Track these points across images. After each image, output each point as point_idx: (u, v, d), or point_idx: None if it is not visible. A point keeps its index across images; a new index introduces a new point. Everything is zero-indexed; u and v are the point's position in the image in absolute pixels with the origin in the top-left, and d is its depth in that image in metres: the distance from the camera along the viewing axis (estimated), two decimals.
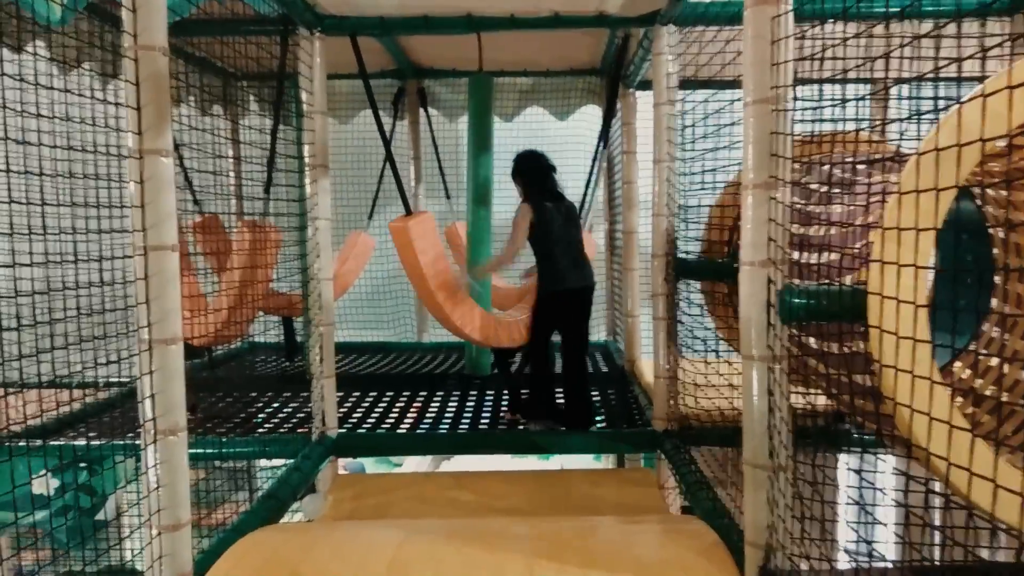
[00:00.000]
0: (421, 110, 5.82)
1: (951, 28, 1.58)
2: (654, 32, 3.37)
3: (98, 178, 2.38)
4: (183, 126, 4.28)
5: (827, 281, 1.82)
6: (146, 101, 1.90)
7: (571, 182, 6.06)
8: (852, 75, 1.77)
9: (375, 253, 5.96)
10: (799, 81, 1.85)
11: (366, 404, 4.24)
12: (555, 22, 3.55)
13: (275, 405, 4.19)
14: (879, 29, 1.85)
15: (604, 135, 4.98)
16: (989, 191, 2.14)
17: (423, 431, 3.73)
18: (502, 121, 5.95)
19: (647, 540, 2.31)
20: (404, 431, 3.73)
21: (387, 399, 4.35)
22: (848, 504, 1.84)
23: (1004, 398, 1.99)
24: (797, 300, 1.79)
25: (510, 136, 6.15)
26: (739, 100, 1.96)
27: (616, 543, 2.27)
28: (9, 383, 3.10)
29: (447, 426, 3.79)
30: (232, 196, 5.63)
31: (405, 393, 4.47)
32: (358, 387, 4.60)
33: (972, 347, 2.18)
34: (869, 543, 1.79)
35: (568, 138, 6.06)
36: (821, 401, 2.09)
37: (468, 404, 4.20)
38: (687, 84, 3.30)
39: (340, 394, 4.20)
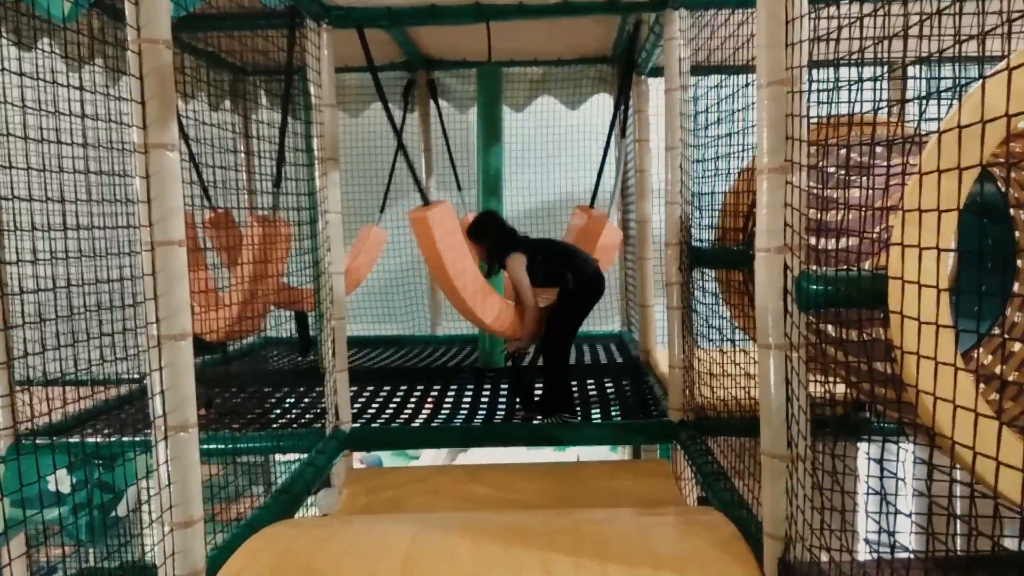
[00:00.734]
0: (431, 102, 5.78)
1: (971, 6, 1.53)
2: (665, 17, 3.32)
3: (114, 175, 2.38)
4: (194, 121, 4.28)
5: (845, 267, 1.77)
6: (150, 95, 1.88)
7: (583, 172, 6.04)
8: (868, 55, 1.72)
9: (387, 246, 5.95)
10: (814, 63, 1.81)
11: (381, 398, 4.23)
12: (564, 9, 3.51)
13: (290, 400, 4.19)
14: (896, 8, 1.80)
15: (620, 124, 4.92)
16: (1012, 173, 2.08)
17: (437, 424, 3.72)
18: (513, 111, 5.91)
19: (664, 533, 2.28)
20: (418, 424, 3.72)
21: (401, 393, 4.34)
22: (868, 494, 1.80)
23: None
24: (815, 287, 1.75)
25: (521, 126, 6.13)
26: (753, 83, 1.92)
27: (633, 536, 2.25)
28: (38, 380, 3.12)
29: (461, 419, 3.77)
30: (244, 191, 5.63)
31: (419, 386, 4.46)
32: (372, 381, 4.59)
33: (995, 332, 2.13)
34: (891, 534, 1.75)
35: (580, 127, 6.01)
36: (840, 390, 2.05)
37: (482, 397, 4.18)
38: (699, 70, 3.25)
39: (354, 388, 4.21)
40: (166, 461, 1.95)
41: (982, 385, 2.03)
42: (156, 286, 1.91)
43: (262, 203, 5.53)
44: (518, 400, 3.84)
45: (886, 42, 1.68)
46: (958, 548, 1.89)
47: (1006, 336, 2.08)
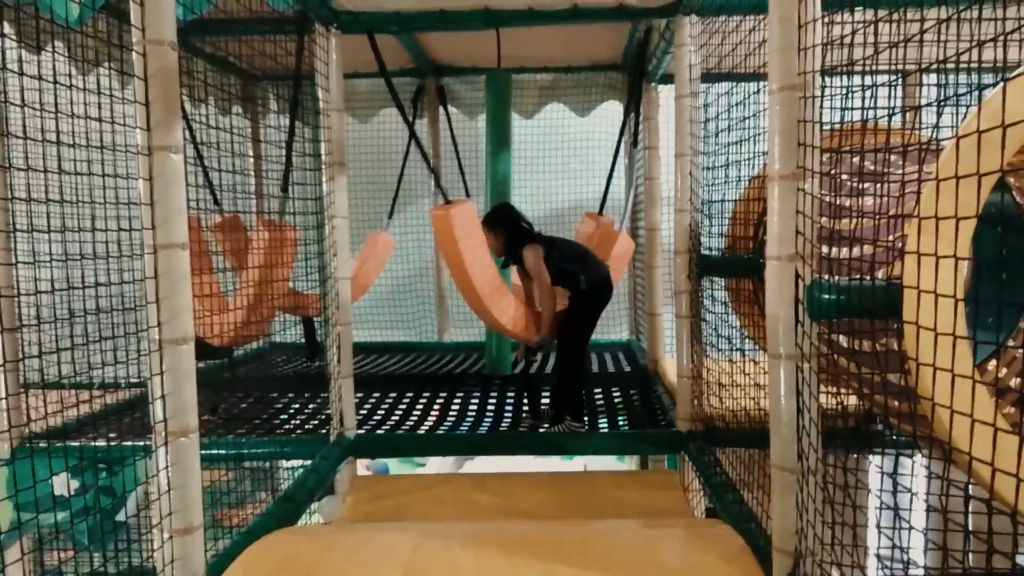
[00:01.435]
0: (441, 108, 5.78)
1: (988, 12, 1.51)
2: (676, 23, 3.29)
3: (127, 177, 2.37)
4: (204, 125, 4.28)
5: (858, 276, 1.73)
6: (155, 97, 1.87)
7: (592, 179, 6.02)
8: (883, 60, 1.69)
9: (395, 253, 5.93)
10: (826, 71, 1.77)
11: (387, 404, 4.21)
12: (575, 15, 3.48)
13: (295, 406, 4.17)
14: (911, 13, 1.77)
15: (631, 132, 4.90)
16: None
17: (442, 432, 3.68)
18: (522, 118, 5.89)
19: (671, 545, 2.24)
20: (423, 432, 3.69)
21: (407, 399, 4.31)
22: (881, 509, 1.76)
23: None
24: (827, 296, 1.71)
25: (530, 133, 6.11)
26: (764, 90, 1.89)
27: (639, 548, 2.21)
28: (42, 383, 3.12)
29: (467, 427, 3.74)
30: (253, 196, 5.63)
31: (425, 393, 4.43)
32: (379, 387, 4.57)
33: (1012, 344, 2.08)
34: (904, 550, 1.71)
35: (589, 135, 5.99)
36: (852, 402, 2.01)
37: (489, 404, 4.15)
38: (710, 77, 3.22)
39: (360, 395, 4.18)
40: (166, 467, 1.93)
41: (999, 398, 1.98)
42: (158, 289, 1.89)
43: (270, 207, 5.53)
44: (526, 407, 3.81)
45: (900, 48, 1.65)
46: (972, 565, 1.85)
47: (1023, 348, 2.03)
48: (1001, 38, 1.31)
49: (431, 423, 3.82)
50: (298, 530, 2.61)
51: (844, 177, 2.08)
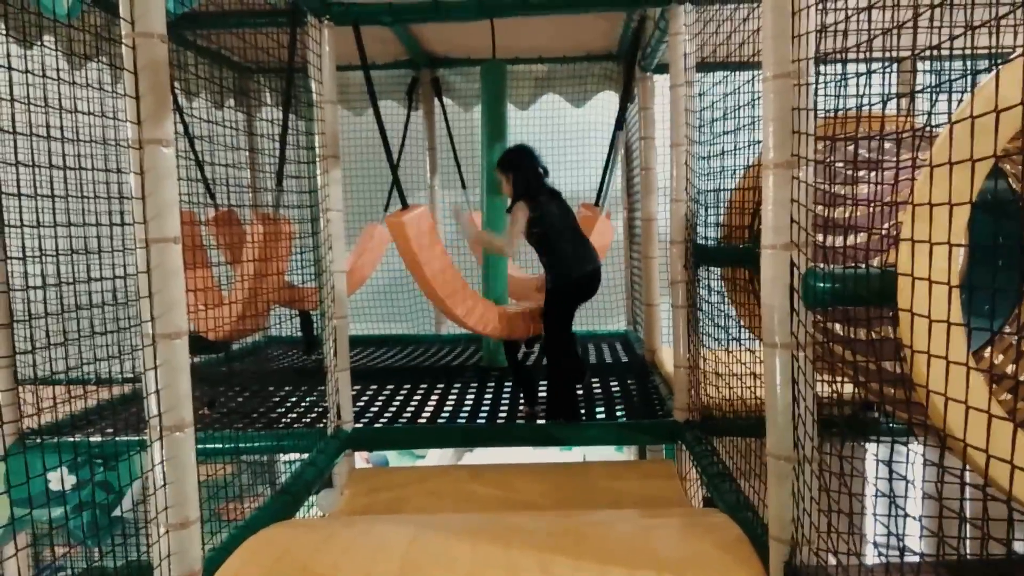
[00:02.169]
0: (436, 100, 5.75)
1: None
2: (670, 12, 3.28)
3: (118, 171, 2.36)
4: (198, 119, 4.26)
5: (853, 264, 1.73)
6: (145, 90, 1.85)
7: (589, 170, 6.00)
8: (877, 47, 1.68)
9: (391, 245, 5.91)
10: (820, 58, 1.76)
11: (383, 397, 4.21)
12: (569, 4, 3.47)
13: (293, 400, 4.17)
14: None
15: (620, 120, 4.88)
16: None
17: (440, 424, 3.68)
18: (517, 109, 5.87)
19: (668, 535, 2.24)
20: (421, 424, 3.69)
21: (404, 392, 4.31)
22: (877, 497, 1.76)
23: None
24: (822, 284, 1.71)
25: (526, 124, 6.08)
26: (759, 78, 1.88)
27: (636, 538, 2.21)
28: (40, 379, 3.11)
29: (464, 419, 3.74)
30: (247, 189, 5.61)
31: (423, 386, 4.43)
32: (376, 380, 4.57)
33: (1007, 331, 2.08)
34: (900, 537, 1.71)
35: (585, 125, 5.97)
36: (847, 390, 2.01)
37: (486, 396, 4.15)
38: (704, 66, 3.20)
39: (358, 388, 4.18)
40: (161, 461, 1.93)
41: (994, 385, 1.98)
42: (151, 283, 1.88)
43: (265, 201, 5.52)
44: (522, 395, 3.80)
45: (894, 34, 1.63)
46: (969, 552, 1.85)
47: (1019, 335, 2.03)
48: (994, 23, 1.30)
49: (429, 415, 3.82)
50: (296, 523, 2.61)
51: (839, 165, 2.07)
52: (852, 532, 1.77)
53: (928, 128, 1.82)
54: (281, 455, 5.14)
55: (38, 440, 3.19)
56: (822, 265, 1.77)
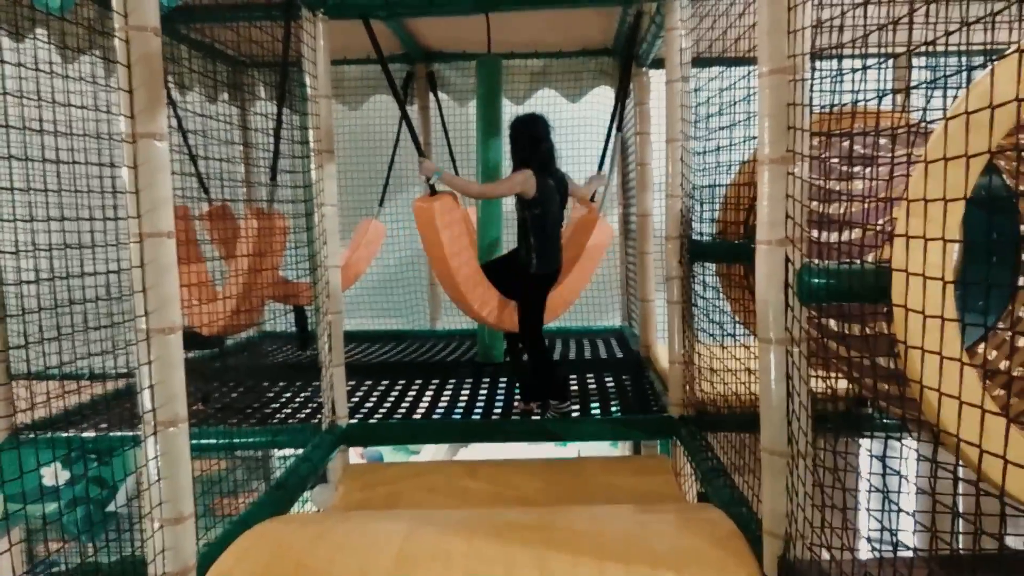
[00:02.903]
0: (431, 94, 5.74)
1: None
2: (666, 7, 3.27)
3: (112, 165, 2.35)
4: (191, 113, 4.24)
5: (848, 260, 1.73)
6: (138, 83, 1.84)
7: (584, 165, 5.99)
8: (872, 42, 1.68)
9: (386, 240, 5.90)
10: (816, 54, 1.76)
11: (379, 393, 4.20)
12: None
13: (287, 395, 4.16)
14: None
15: (616, 116, 4.87)
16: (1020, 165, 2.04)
17: (435, 419, 3.68)
18: (513, 104, 5.85)
19: (662, 530, 2.24)
20: (416, 419, 3.69)
21: (400, 387, 4.31)
22: (870, 492, 1.76)
23: None
24: (816, 280, 1.71)
25: None
26: (755, 74, 1.88)
27: (631, 533, 2.21)
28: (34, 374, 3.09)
29: (459, 414, 3.74)
30: (241, 184, 5.59)
31: (418, 381, 4.43)
32: (371, 375, 4.56)
33: (1001, 327, 2.09)
34: (893, 532, 1.71)
35: (580, 120, 5.96)
36: (842, 385, 2.01)
37: (481, 392, 4.15)
38: (700, 61, 3.20)
39: (352, 383, 4.17)
40: (156, 456, 1.92)
41: (988, 382, 1.98)
42: (145, 278, 1.87)
43: (259, 196, 5.50)
44: (518, 392, 3.82)
45: (890, 30, 1.64)
46: (962, 547, 1.86)
47: (1012, 331, 2.04)
48: (990, 19, 1.30)
49: (423, 411, 3.82)
50: (290, 518, 2.61)
51: (834, 161, 2.07)
52: (846, 527, 1.78)
53: (923, 124, 1.83)
54: (276, 451, 5.13)
55: (31, 435, 3.19)
56: (816, 261, 1.77)
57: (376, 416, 3.74)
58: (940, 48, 1.59)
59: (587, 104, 5.89)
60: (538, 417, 3.61)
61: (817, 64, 1.78)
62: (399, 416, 3.74)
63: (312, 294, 3.42)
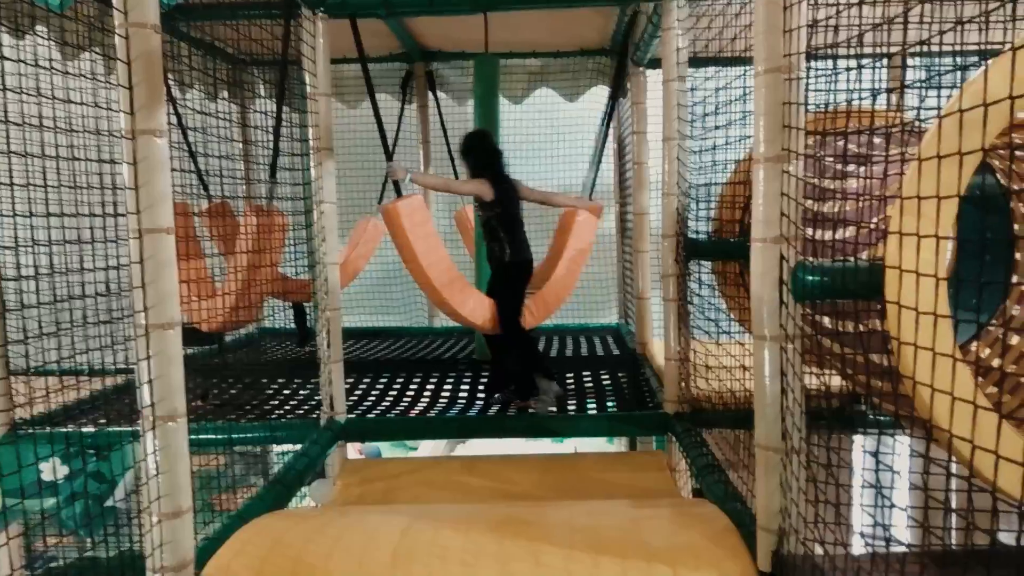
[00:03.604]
0: (430, 93, 5.75)
1: None
2: (663, 7, 3.28)
3: (112, 162, 2.36)
4: (191, 111, 4.25)
5: (842, 257, 1.75)
6: (138, 80, 1.85)
7: (581, 164, 6.01)
8: (867, 42, 1.70)
9: (385, 238, 5.91)
10: (811, 53, 1.78)
11: (377, 389, 4.22)
12: None
13: (286, 391, 4.17)
14: None
15: (609, 115, 4.89)
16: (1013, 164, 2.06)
17: (432, 416, 3.70)
18: (511, 103, 5.87)
19: (657, 525, 2.26)
20: (413, 416, 3.71)
21: (398, 384, 4.32)
22: (863, 487, 1.78)
23: None
24: (811, 277, 1.73)
25: (519, 119, 6.09)
26: (750, 73, 1.89)
27: (625, 528, 2.23)
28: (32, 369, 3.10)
29: (457, 410, 3.75)
30: (241, 181, 5.60)
31: (416, 378, 4.44)
32: (369, 372, 4.58)
33: (994, 324, 2.11)
34: (886, 527, 1.73)
35: (578, 119, 5.98)
36: (835, 382, 2.03)
37: (479, 388, 4.16)
38: (697, 61, 3.22)
39: (351, 379, 4.18)
40: (154, 451, 1.93)
41: (980, 378, 2.00)
42: (144, 274, 1.88)
43: (258, 193, 5.51)
44: (508, 389, 3.84)
45: (884, 30, 1.65)
46: (954, 542, 1.87)
47: (1005, 328, 2.06)
48: (983, 20, 1.32)
49: (422, 407, 3.83)
50: (287, 513, 2.62)
51: (829, 159, 2.09)
52: (839, 522, 1.79)
53: (917, 123, 1.84)
54: (274, 446, 5.14)
55: (30, 430, 3.19)
56: (811, 258, 1.79)
57: (374, 412, 3.75)
58: (934, 48, 1.61)
59: (585, 104, 5.90)
60: (533, 411, 3.63)
61: (812, 63, 1.80)
62: (397, 412, 3.76)
63: (311, 291, 3.43)
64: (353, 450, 7.06)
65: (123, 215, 1.96)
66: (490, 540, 2.11)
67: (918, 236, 1.38)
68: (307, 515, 2.70)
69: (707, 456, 2.80)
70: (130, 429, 3.20)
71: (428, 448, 7.52)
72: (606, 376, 4.39)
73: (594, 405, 3.81)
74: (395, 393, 4.13)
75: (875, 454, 1.79)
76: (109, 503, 3.37)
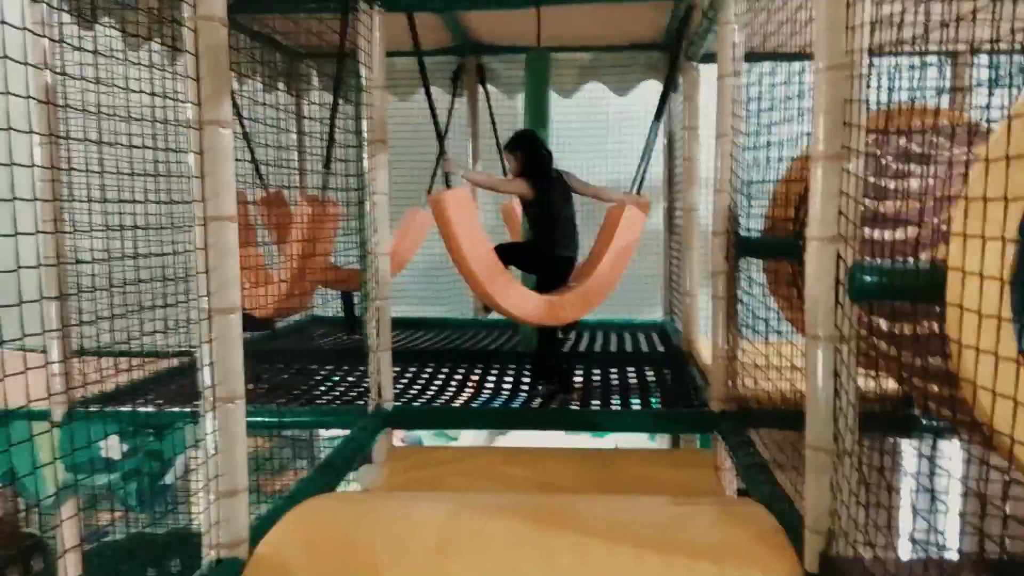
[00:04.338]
0: (480, 87, 5.77)
1: None
2: (720, 1, 3.25)
3: (176, 151, 2.44)
4: (249, 101, 4.35)
5: (901, 258, 1.72)
6: (205, 72, 1.91)
7: (629, 159, 5.97)
8: (933, 40, 1.66)
9: (432, 229, 5.96)
10: (874, 51, 1.75)
11: (423, 379, 4.28)
12: None
13: (335, 377, 4.25)
14: None
15: (660, 110, 4.84)
16: None
17: (476, 406, 3.74)
18: (560, 97, 5.86)
19: (702, 522, 2.26)
20: (457, 405, 3.75)
21: (443, 374, 4.38)
22: (916, 492, 1.76)
23: None
24: (869, 278, 1.70)
25: (568, 112, 6.07)
26: (809, 70, 1.87)
27: (669, 524, 2.23)
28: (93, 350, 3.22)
29: (500, 401, 3.79)
30: (296, 171, 5.71)
31: (461, 368, 4.49)
32: (415, 361, 4.64)
33: None
34: (939, 533, 1.70)
35: (628, 114, 5.94)
36: (888, 385, 2.00)
37: (522, 381, 4.19)
38: (753, 56, 3.17)
39: (398, 368, 4.25)
40: (214, 431, 2.00)
41: None
42: (208, 260, 1.95)
43: (313, 183, 5.60)
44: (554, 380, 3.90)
45: (951, 27, 1.61)
46: (1009, 551, 1.83)
47: None
48: None
49: (465, 397, 3.88)
50: (336, 496, 2.69)
51: (889, 158, 2.05)
52: (890, 526, 1.77)
53: (985, 123, 1.80)
54: (321, 431, 5.25)
55: (90, 409, 3.32)
56: (869, 259, 1.76)
57: (419, 401, 3.81)
58: (1004, 46, 1.57)
59: (635, 98, 5.86)
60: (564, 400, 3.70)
61: (875, 60, 1.77)
62: (442, 402, 3.80)
63: (360, 280, 3.49)
64: (395, 439, 7.16)
65: (185, 203, 2.03)
66: (533, 531, 2.14)
67: (983, 238, 1.35)
68: (355, 499, 2.76)
69: (754, 455, 2.78)
70: (187, 410, 3.31)
71: (468, 438, 7.58)
72: (651, 372, 4.38)
73: (638, 401, 3.80)
74: (440, 382, 4.18)
75: (930, 458, 1.77)
76: (164, 481, 3.48)
